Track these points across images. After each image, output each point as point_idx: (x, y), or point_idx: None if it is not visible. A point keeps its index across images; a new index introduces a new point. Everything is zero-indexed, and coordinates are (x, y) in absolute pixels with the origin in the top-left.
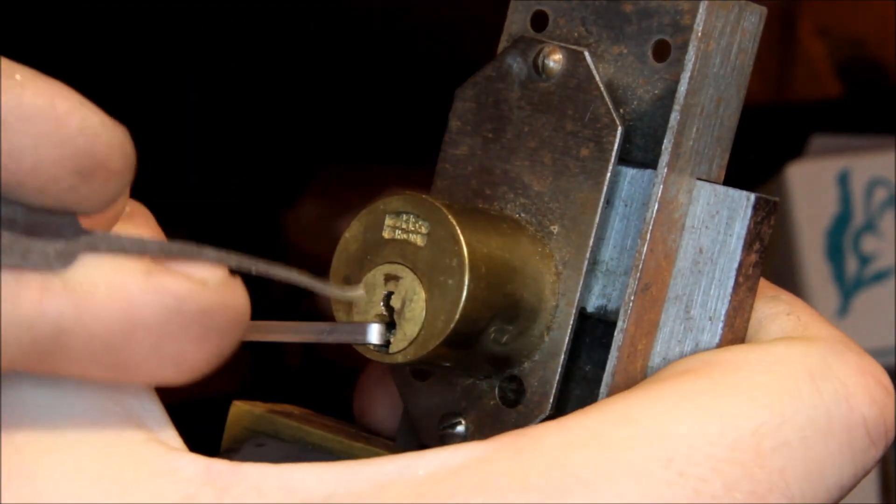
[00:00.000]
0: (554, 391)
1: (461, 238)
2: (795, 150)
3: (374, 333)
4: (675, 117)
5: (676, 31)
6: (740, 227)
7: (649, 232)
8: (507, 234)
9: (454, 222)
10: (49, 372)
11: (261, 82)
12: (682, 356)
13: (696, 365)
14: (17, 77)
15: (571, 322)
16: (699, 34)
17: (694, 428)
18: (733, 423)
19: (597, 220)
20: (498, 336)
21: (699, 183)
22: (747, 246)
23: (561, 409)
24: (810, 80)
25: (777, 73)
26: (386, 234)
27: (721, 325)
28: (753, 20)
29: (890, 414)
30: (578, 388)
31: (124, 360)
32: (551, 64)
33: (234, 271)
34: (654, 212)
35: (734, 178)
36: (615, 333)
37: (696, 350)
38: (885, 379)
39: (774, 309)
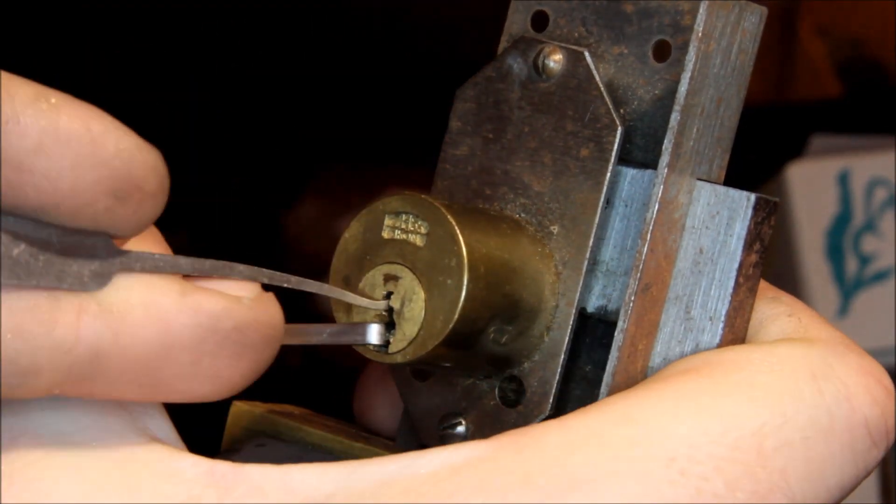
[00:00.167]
0: (554, 391)
1: (460, 238)
2: (795, 150)
3: (374, 334)
4: (675, 117)
5: (677, 32)
6: (741, 228)
7: (649, 232)
8: (506, 235)
9: (453, 222)
10: (86, 395)
11: (261, 82)
12: (683, 356)
13: (698, 364)
14: (53, 101)
15: (571, 322)
16: (699, 34)
17: (695, 427)
18: (735, 422)
19: (597, 220)
20: (497, 336)
21: (699, 183)
22: (748, 246)
23: (561, 409)
24: (810, 80)
25: (777, 73)
26: (385, 235)
27: (721, 325)
28: (754, 20)
29: (891, 414)
30: (578, 388)
31: (161, 380)
32: (551, 64)
33: (266, 286)
34: (655, 212)
35: (734, 178)
36: (615, 333)
37: (696, 350)
38: (887, 380)
39: (775, 310)
